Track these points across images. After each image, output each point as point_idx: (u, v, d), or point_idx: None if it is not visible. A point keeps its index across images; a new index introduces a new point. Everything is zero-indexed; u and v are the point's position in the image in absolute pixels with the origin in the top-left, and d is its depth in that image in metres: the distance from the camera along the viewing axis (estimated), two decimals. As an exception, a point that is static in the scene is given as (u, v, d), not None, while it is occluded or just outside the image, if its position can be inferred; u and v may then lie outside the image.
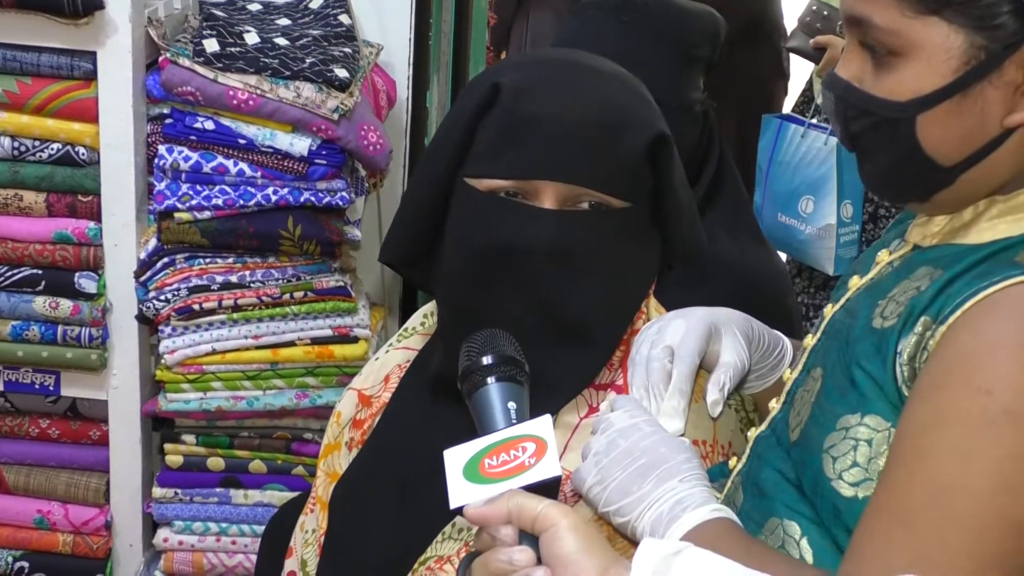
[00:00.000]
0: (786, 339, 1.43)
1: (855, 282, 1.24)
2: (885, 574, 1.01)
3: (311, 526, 1.58)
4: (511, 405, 1.10)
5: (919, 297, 1.09)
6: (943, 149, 1.10)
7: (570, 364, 1.39)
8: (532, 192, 1.37)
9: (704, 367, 1.35)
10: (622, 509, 1.21)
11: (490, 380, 1.11)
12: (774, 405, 1.28)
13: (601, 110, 1.39)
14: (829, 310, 1.25)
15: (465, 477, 1.04)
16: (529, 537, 1.01)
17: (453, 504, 1.04)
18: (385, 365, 1.55)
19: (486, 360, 1.13)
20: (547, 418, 1.05)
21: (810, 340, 1.26)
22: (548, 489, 1.04)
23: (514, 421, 1.08)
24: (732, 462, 1.32)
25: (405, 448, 1.45)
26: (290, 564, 1.61)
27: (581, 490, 1.26)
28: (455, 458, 1.06)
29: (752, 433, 1.30)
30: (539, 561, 1.00)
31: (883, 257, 1.23)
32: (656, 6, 1.94)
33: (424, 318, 1.58)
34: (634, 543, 1.22)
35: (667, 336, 1.33)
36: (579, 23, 2.00)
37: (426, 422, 1.44)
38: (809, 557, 1.14)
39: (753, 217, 1.85)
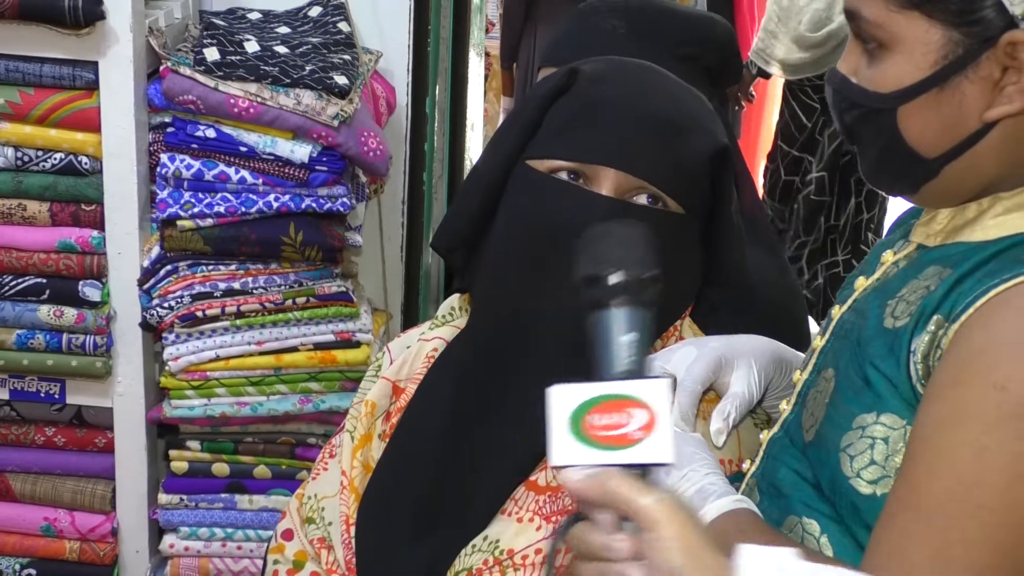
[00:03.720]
0: None
1: (861, 283, 1.26)
2: (906, 569, 1.03)
3: (330, 500, 1.53)
4: (631, 337, 0.99)
5: (930, 296, 1.11)
6: (924, 141, 1.13)
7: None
8: (592, 177, 1.35)
9: (716, 391, 1.34)
10: None
11: (613, 303, 1.00)
12: (785, 407, 1.29)
13: (672, 109, 1.39)
14: (837, 311, 1.26)
15: (570, 431, 0.96)
16: (630, 522, 0.94)
17: (555, 462, 0.96)
18: (418, 356, 1.52)
19: (612, 279, 1.00)
20: (664, 383, 0.96)
21: (819, 341, 1.27)
22: (649, 471, 0.96)
23: (630, 360, 0.98)
24: (746, 464, 1.33)
25: (422, 457, 1.43)
26: (293, 545, 1.55)
27: None
28: (562, 403, 0.97)
29: (765, 436, 1.31)
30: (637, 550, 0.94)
31: (888, 257, 1.24)
32: (648, 10, 1.96)
33: (452, 309, 1.54)
34: None
35: (674, 360, 1.33)
36: (574, 27, 2.01)
37: (444, 429, 1.42)
38: (829, 553, 1.15)
39: (768, 225, 1.83)
